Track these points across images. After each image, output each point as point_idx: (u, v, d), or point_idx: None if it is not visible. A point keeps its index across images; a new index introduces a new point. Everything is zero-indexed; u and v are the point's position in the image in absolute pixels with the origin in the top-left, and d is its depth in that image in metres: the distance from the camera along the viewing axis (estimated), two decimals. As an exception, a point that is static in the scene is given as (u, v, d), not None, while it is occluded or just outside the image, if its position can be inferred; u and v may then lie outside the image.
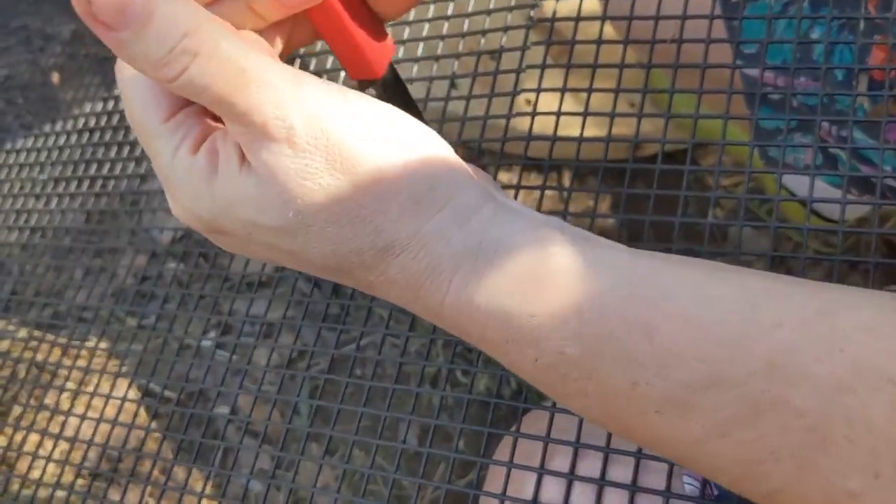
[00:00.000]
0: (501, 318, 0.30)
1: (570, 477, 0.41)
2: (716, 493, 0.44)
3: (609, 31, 0.51)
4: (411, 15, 0.55)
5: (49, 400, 0.62)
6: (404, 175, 0.30)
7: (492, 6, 0.54)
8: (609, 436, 0.41)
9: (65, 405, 0.61)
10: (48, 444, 0.59)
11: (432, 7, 0.57)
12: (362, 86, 0.38)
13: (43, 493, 0.57)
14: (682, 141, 0.45)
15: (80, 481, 0.57)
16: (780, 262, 0.42)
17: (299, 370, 0.67)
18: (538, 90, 0.50)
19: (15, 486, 0.60)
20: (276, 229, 0.31)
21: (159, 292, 0.64)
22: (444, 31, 0.55)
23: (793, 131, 0.58)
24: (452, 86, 0.53)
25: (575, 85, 0.49)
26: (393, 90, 0.38)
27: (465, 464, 0.83)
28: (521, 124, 0.50)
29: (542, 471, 0.42)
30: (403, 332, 0.49)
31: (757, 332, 0.28)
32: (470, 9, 0.55)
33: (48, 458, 0.58)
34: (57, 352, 0.64)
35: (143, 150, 0.69)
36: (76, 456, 0.58)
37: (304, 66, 0.58)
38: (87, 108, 0.79)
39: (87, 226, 0.71)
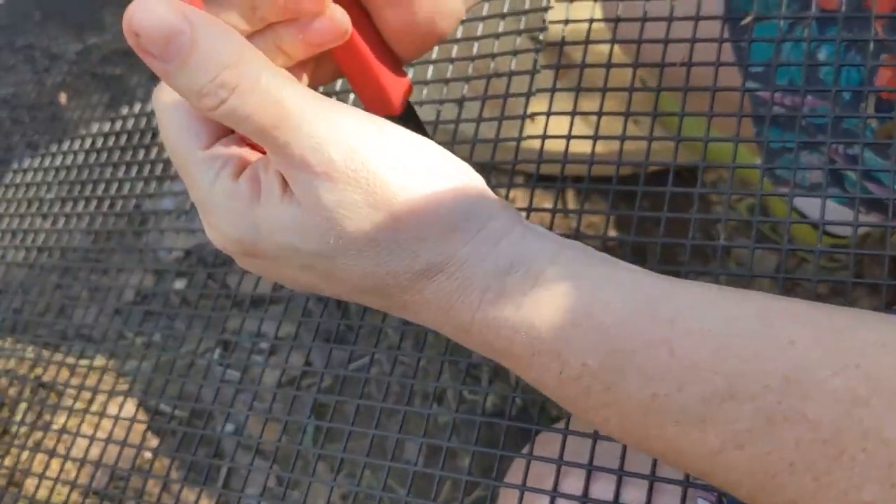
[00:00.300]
0: (528, 332, 0.32)
1: (584, 500, 0.41)
2: (729, 513, 0.44)
3: (618, 53, 0.51)
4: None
5: (56, 419, 0.62)
6: (442, 205, 0.32)
7: (501, 30, 0.55)
8: (622, 458, 0.41)
9: (72, 425, 0.61)
10: (55, 464, 0.59)
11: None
12: None
13: (52, 514, 0.57)
14: (693, 164, 0.46)
15: (88, 501, 0.57)
16: (791, 283, 0.42)
17: (306, 389, 0.67)
18: (548, 113, 0.50)
19: (23, 508, 0.60)
20: (315, 253, 0.32)
21: (166, 311, 0.64)
22: (454, 54, 0.56)
23: (800, 149, 0.58)
24: (462, 108, 0.54)
25: (584, 107, 0.49)
26: (409, 123, 0.39)
27: (471, 483, 0.83)
28: (532, 146, 0.51)
29: (555, 493, 0.42)
30: (409, 350, 0.49)
31: (772, 348, 0.29)
32: (479, 32, 0.55)
33: (56, 479, 0.58)
34: (64, 372, 0.64)
35: (150, 171, 0.69)
36: (84, 476, 0.57)
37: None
38: (94, 127, 0.79)
39: (94, 245, 0.71)
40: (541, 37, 0.53)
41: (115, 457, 0.56)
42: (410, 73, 0.57)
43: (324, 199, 0.31)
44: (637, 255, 0.90)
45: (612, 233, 0.85)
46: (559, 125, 0.50)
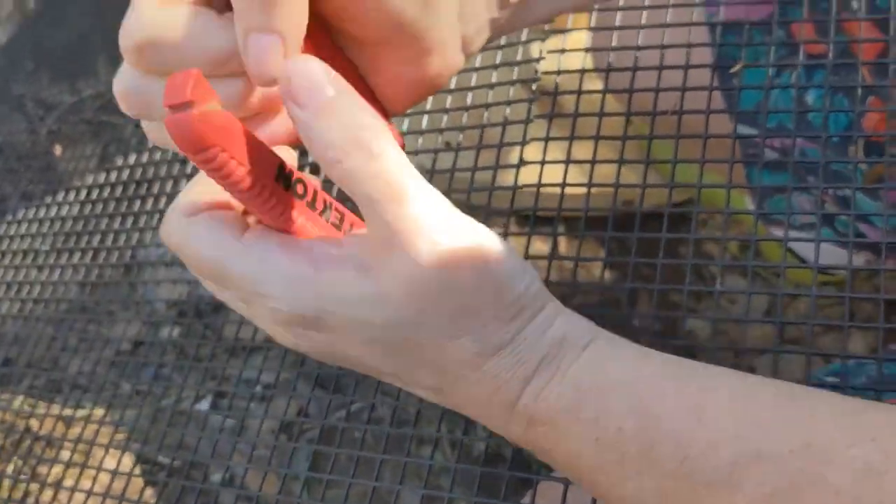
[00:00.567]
0: (571, 397, 0.34)
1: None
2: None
3: (611, 100, 0.52)
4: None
5: (44, 472, 0.61)
6: (516, 287, 0.34)
7: (494, 80, 0.55)
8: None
9: (61, 476, 0.60)
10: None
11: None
12: None
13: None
14: (687, 211, 0.46)
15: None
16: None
17: (303, 439, 0.67)
18: (542, 162, 0.51)
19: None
20: (385, 325, 0.33)
21: (161, 360, 0.64)
22: (448, 104, 0.56)
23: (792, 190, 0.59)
24: (457, 157, 0.54)
25: (578, 154, 0.50)
26: None
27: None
28: (527, 192, 0.51)
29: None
30: (405, 397, 0.49)
31: (794, 419, 0.31)
32: (473, 83, 0.56)
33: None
34: (60, 425, 0.64)
35: (145, 221, 0.70)
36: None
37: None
38: (88, 178, 0.80)
39: (90, 297, 0.71)
40: (534, 87, 0.54)
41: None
42: (405, 123, 0.58)
43: (406, 279, 0.32)
44: (630, 297, 0.90)
45: (608, 274, 0.85)
46: (554, 172, 0.50)
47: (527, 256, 0.50)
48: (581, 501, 0.43)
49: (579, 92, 0.52)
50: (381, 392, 0.53)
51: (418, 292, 0.32)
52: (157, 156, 0.75)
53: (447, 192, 0.53)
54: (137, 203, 0.71)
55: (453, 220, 0.33)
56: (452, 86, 0.57)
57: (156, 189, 0.71)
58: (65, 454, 0.61)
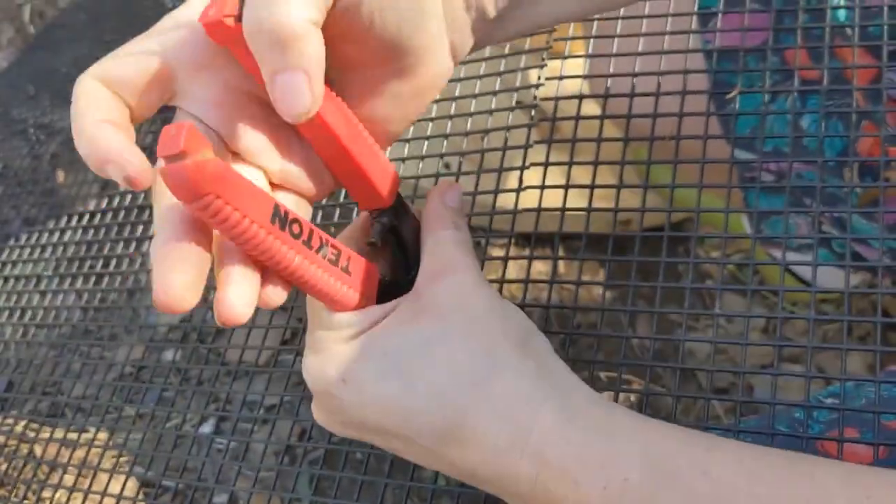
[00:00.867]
0: (579, 443, 0.35)
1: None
2: None
3: (609, 125, 0.52)
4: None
5: (48, 496, 0.62)
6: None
7: (493, 106, 0.56)
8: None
9: (65, 501, 0.60)
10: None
11: (435, 107, 0.59)
12: (373, 214, 0.41)
13: None
14: (687, 234, 0.47)
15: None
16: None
17: (300, 458, 0.67)
18: (542, 187, 0.51)
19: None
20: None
21: (162, 383, 0.64)
22: (448, 129, 0.57)
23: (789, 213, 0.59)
24: (457, 181, 0.55)
25: (577, 179, 0.50)
26: (402, 213, 0.41)
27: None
28: (527, 217, 0.52)
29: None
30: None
31: (796, 478, 0.33)
32: (472, 108, 0.57)
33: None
34: (54, 446, 0.64)
35: (148, 245, 0.70)
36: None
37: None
38: (89, 202, 0.80)
39: (88, 318, 0.71)
40: (532, 112, 0.54)
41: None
42: (406, 148, 0.59)
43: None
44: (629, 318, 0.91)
45: (608, 294, 0.86)
46: (553, 197, 0.51)
47: (528, 281, 0.50)
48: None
49: (578, 117, 0.52)
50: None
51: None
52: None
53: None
54: (140, 228, 0.72)
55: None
56: (452, 111, 0.58)
57: (158, 214, 0.72)
58: (68, 478, 0.61)
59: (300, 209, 0.38)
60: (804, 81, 0.50)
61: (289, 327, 0.61)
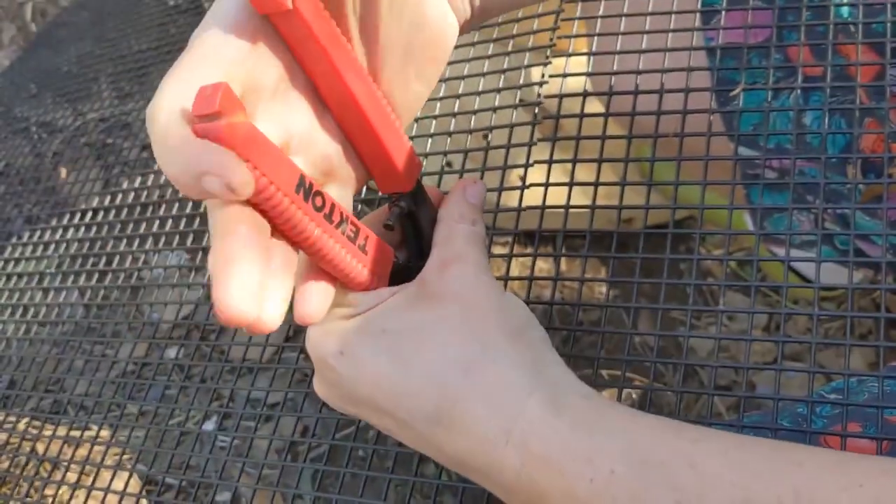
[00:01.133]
0: (566, 434, 0.35)
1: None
2: None
3: (612, 123, 0.53)
4: (418, 112, 0.57)
5: (51, 494, 0.62)
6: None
7: (497, 104, 0.56)
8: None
9: (68, 499, 0.60)
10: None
11: (438, 104, 0.59)
12: (392, 198, 0.41)
13: None
14: (691, 231, 0.47)
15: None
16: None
17: (303, 455, 0.67)
18: (546, 184, 0.51)
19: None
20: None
21: (164, 380, 0.64)
22: (451, 127, 0.57)
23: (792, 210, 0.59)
24: (461, 178, 0.55)
25: (581, 176, 0.51)
26: (421, 200, 0.42)
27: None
28: (531, 215, 0.52)
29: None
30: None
31: (784, 468, 0.32)
32: (476, 106, 0.57)
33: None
34: (56, 444, 0.64)
35: (151, 242, 0.70)
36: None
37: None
38: (92, 200, 0.80)
39: (91, 316, 0.71)
40: (536, 110, 0.54)
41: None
42: (408, 146, 0.59)
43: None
44: (632, 315, 0.91)
45: (614, 292, 0.86)
46: (557, 194, 0.51)
47: (532, 278, 0.50)
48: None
49: (581, 115, 0.52)
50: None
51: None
52: (162, 179, 0.75)
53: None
54: (143, 225, 0.72)
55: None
56: (455, 109, 0.58)
57: (160, 211, 0.72)
58: (71, 476, 0.61)
59: (343, 202, 0.38)
60: (807, 78, 0.50)
61: (292, 324, 0.61)
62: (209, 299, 0.72)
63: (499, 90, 0.57)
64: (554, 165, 0.52)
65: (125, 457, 0.62)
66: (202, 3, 1.01)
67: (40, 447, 0.66)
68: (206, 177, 0.28)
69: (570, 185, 0.51)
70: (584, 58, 0.57)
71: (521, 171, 0.52)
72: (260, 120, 0.33)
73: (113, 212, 0.75)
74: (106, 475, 0.59)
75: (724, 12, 0.54)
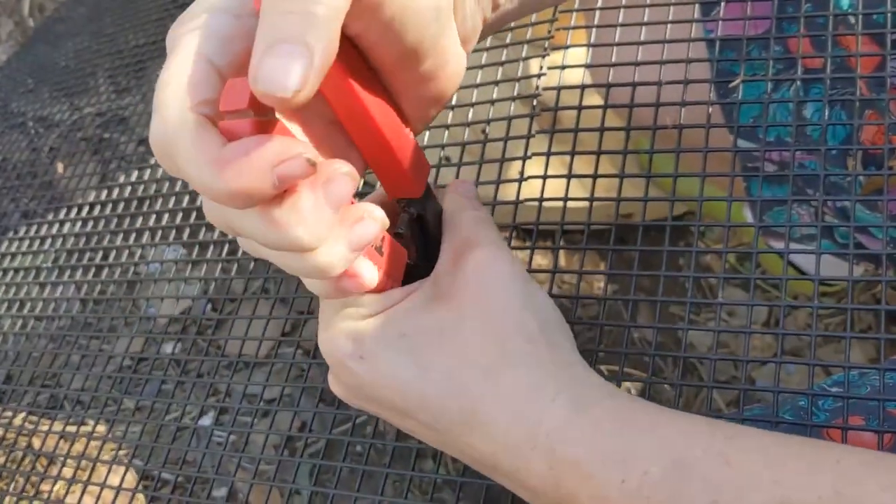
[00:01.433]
0: (595, 437, 0.34)
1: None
2: None
3: (611, 115, 0.52)
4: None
5: (47, 489, 0.61)
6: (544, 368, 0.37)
7: (495, 96, 0.56)
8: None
9: (64, 494, 0.60)
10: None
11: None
12: (401, 203, 0.40)
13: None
14: (690, 224, 0.46)
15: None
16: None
17: (300, 450, 0.67)
18: (544, 177, 0.51)
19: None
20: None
21: (161, 375, 0.64)
22: (449, 120, 0.57)
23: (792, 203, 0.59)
24: (459, 172, 0.54)
25: (579, 169, 0.50)
26: (430, 205, 0.41)
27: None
28: (529, 208, 0.51)
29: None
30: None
31: (822, 465, 0.31)
32: (474, 99, 0.57)
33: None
34: (52, 439, 0.63)
35: (148, 237, 0.70)
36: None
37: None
38: (88, 195, 0.80)
39: (87, 311, 0.71)
40: (534, 103, 0.54)
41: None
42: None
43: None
44: (630, 309, 0.91)
45: (613, 286, 0.86)
46: (555, 187, 0.51)
47: (529, 270, 0.50)
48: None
49: (580, 107, 0.52)
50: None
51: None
52: (159, 173, 0.75)
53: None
54: (139, 220, 0.72)
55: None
56: (454, 102, 0.57)
57: (157, 206, 0.72)
58: (67, 471, 0.61)
59: None
60: (807, 70, 0.50)
61: (289, 319, 0.61)
62: (206, 294, 0.71)
63: (496, 82, 0.56)
64: (552, 158, 0.52)
65: (121, 452, 0.62)
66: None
67: (36, 442, 0.65)
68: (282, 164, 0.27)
69: (569, 177, 0.50)
70: (583, 50, 0.57)
71: (518, 163, 0.52)
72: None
73: (110, 206, 0.75)
74: (102, 470, 0.59)
75: (723, 3, 0.53)
